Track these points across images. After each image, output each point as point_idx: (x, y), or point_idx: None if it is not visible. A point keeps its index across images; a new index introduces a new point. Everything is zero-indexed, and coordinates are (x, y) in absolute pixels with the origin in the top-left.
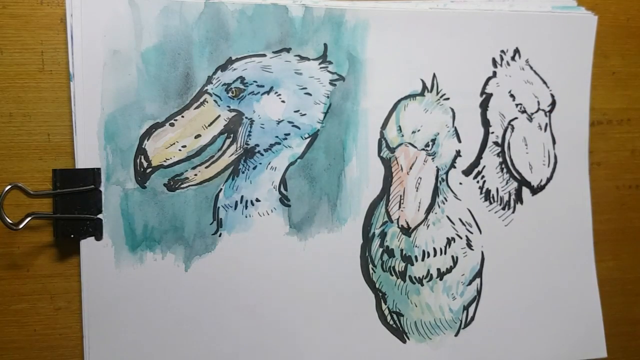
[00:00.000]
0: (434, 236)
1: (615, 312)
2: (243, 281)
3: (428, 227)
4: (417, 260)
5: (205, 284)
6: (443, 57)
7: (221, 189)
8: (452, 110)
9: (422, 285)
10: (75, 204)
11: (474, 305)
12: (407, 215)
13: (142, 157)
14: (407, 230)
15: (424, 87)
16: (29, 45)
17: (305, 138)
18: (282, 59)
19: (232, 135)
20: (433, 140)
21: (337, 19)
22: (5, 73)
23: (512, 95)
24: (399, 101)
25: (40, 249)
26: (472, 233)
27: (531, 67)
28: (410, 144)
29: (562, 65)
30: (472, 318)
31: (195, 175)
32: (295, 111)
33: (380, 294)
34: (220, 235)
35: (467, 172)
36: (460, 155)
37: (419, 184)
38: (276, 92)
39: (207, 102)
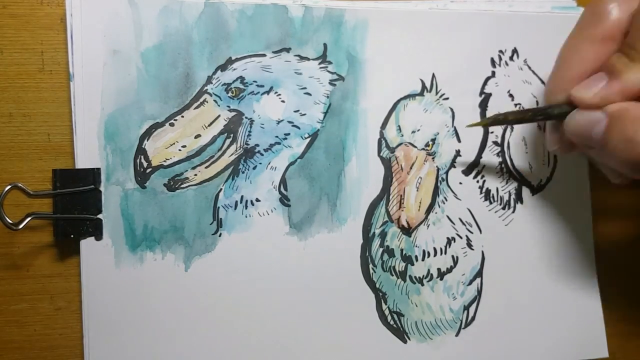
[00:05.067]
0: (434, 236)
1: (617, 312)
2: (243, 281)
3: (428, 227)
4: (417, 260)
5: (205, 284)
6: (442, 57)
7: (221, 189)
8: (452, 110)
9: (423, 285)
10: (75, 204)
11: (474, 305)
12: (407, 215)
13: (142, 157)
14: (407, 230)
15: (424, 87)
16: (29, 45)
17: (305, 138)
18: (282, 59)
19: (232, 135)
20: (433, 140)
21: (337, 19)
22: (5, 73)
23: (511, 95)
24: (398, 101)
25: (40, 249)
26: (472, 233)
27: (529, 67)
28: (410, 143)
29: None
30: (473, 318)
31: (195, 175)
32: (295, 111)
33: (381, 294)
34: (220, 235)
35: (467, 172)
36: (460, 155)
37: (419, 183)
38: (276, 92)
39: (207, 102)
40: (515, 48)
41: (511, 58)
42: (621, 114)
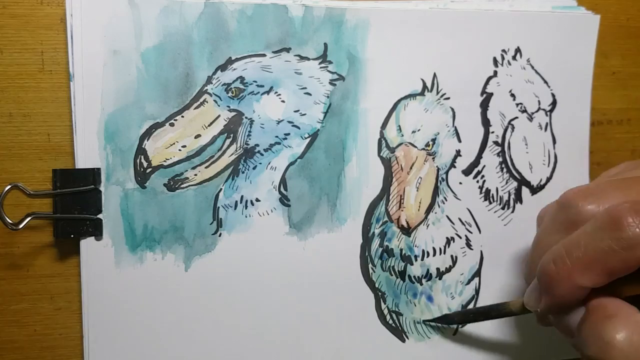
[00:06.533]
0: (433, 236)
1: None
2: (243, 281)
3: (428, 226)
4: (416, 260)
5: (205, 284)
6: (443, 56)
7: (221, 188)
8: (452, 109)
9: (422, 284)
10: (75, 204)
11: (472, 304)
12: (407, 215)
13: (142, 157)
14: (406, 230)
15: (424, 86)
16: (29, 45)
17: (305, 138)
18: (282, 58)
19: (232, 135)
20: (433, 140)
21: (338, 19)
22: (5, 73)
23: (512, 95)
24: (399, 101)
25: (40, 249)
26: (471, 233)
27: (532, 67)
28: (410, 143)
29: (563, 64)
30: None
31: (195, 175)
32: (295, 111)
33: (380, 294)
34: (220, 235)
35: (467, 172)
36: (460, 155)
37: (419, 183)
38: (276, 92)
39: (207, 102)
40: (518, 47)
41: (514, 57)
42: (594, 309)
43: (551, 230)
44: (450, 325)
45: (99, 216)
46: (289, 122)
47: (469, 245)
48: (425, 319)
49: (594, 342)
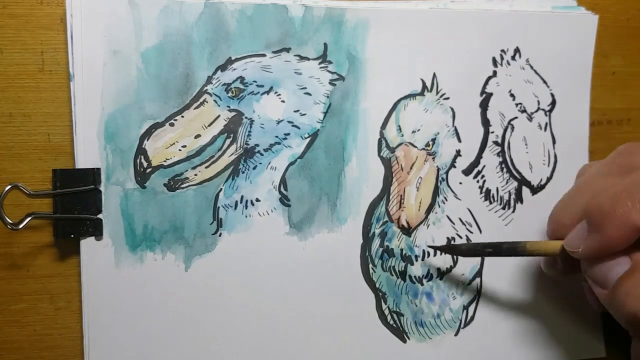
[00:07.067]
0: (434, 236)
1: None
2: (243, 281)
3: (428, 226)
4: (417, 260)
5: (205, 284)
6: (443, 56)
7: (221, 188)
8: (452, 109)
9: (422, 284)
10: (75, 204)
11: (473, 305)
12: (407, 215)
13: (142, 157)
14: (407, 230)
15: (424, 86)
16: (29, 45)
17: (305, 138)
18: (282, 58)
19: (232, 135)
20: (433, 140)
21: (337, 19)
22: (5, 73)
23: (512, 95)
24: (398, 101)
25: (40, 249)
26: (472, 233)
27: (531, 67)
28: (410, 143)
29: (562, 64)
30: (472, 318)
31: (195, 175)
32: (295, 111)
33: (380, 294)
34: (220, 235)
35: (467, 172)
36: (460, 155)
37: (419, 183)
38: (276, 92)
39: (207, 102)
40: (517, 47)
41: (513, 57)
42: None
43: (606, 173)
44: (456, 255)
45: (99, 216)
46: (289, 122)
47: None
48: (430, 245)
49: (637, 299)
